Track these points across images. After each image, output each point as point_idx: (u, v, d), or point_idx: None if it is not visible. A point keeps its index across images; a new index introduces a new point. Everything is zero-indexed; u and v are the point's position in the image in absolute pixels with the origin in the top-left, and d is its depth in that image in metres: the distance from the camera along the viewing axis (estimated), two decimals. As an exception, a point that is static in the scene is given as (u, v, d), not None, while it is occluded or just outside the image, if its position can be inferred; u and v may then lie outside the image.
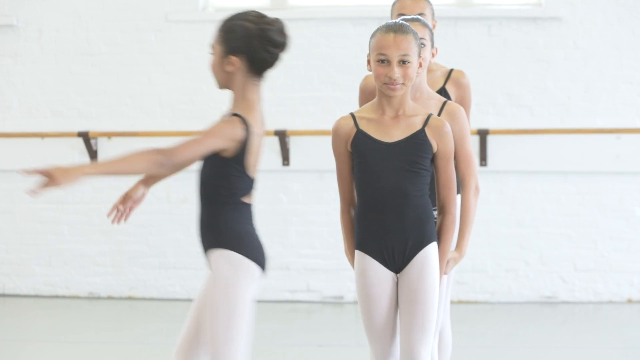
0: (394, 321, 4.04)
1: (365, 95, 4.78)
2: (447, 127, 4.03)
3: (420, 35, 4.19)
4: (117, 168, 3.60)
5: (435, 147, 3.96)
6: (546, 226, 8.80)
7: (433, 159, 3.98)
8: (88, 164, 3.61)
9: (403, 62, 3.87)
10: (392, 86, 3.88)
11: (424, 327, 3.97)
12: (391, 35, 3.88)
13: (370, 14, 8.79)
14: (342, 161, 4.04)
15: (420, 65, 3.96)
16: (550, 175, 8.77)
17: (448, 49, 8.45)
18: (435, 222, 4.11)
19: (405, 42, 3.87)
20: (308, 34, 8.95)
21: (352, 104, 8.75)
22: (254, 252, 3.84)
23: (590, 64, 8.71)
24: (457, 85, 4.86)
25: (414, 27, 4.20)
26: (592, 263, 8.79)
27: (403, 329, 4.00)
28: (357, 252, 4.04)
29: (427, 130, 3.94)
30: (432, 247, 4.00)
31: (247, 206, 3.87)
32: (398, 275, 4.00)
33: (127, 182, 4.19)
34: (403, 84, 3.89)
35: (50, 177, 3.46)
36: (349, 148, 4.00)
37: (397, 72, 3.86)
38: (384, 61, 3.88)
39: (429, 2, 4.92)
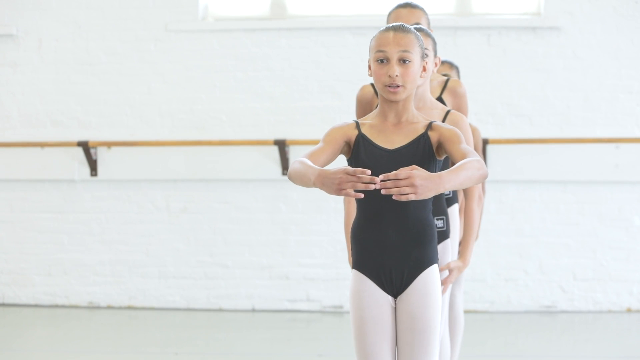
0: (391, 351, 3.69)
1: (362, 105, 4.77)
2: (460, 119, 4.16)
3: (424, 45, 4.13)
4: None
5: (436, 145, 3.67)
6: (545, 235, 8.81)
7: (445, 151, 3.68)
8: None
9: (403, 61, 3.63)
10: (393, 88, 3.63)
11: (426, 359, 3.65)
12: (390, 33, 3.66)
13: (369, 24, 8.80)
14: (324, 149, 3.72)
15: (424, 69, 3.72)
16: (550, 184, 8.77)
17: (447, 58, 8.44)
18: (438, 241, 3.97)
19: (406, 39, 3.65)
20: (307, 43, 8.96)
21: (351, 114, 8.78)
22: None
23: (590, 73, 8.72)
24: (453, 94, 4.86)
25: None
26: (591, 272, 8.79)
27: None
28: (353, 271, 3.73)
29: (430, 134, 3.66)
30: (434, 269, 3.69)
31: None
32: (396, 299, 3.69)
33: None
34: (403, 86, 3.63)
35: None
36: (344, 147, 3.73)
37: (397, 70, 3.61)
38: (383, 60, 3.64)
39: (425, 12, 4.90)
